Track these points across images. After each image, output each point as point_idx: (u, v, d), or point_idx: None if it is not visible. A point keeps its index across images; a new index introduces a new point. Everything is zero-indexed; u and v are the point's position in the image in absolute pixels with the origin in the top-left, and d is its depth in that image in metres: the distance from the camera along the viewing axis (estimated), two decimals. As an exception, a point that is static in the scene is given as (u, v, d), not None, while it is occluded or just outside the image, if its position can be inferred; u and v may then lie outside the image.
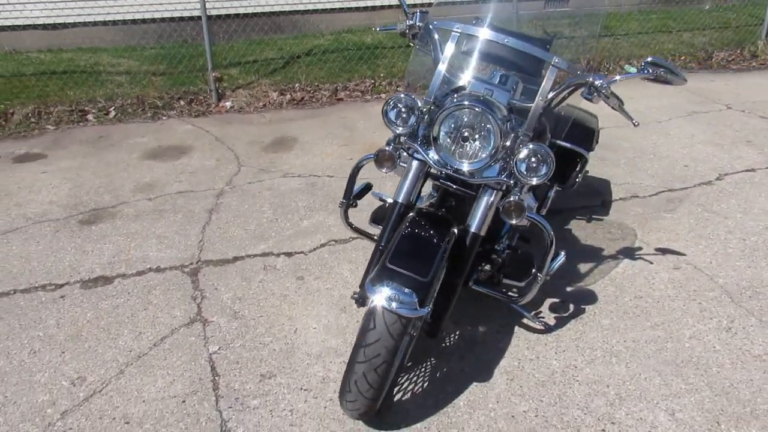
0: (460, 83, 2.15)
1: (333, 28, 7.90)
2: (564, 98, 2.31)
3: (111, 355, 2.49)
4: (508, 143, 2.00)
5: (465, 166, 2.01)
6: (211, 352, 2.51)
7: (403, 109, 2.03)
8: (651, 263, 3.11)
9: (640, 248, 3.26)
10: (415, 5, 2.55)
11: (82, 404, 2.23)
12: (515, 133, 2.03)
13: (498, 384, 2.32)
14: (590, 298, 2.85)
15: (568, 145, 3.05)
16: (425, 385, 2.32)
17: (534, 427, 2.12)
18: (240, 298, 2.86)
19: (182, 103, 5.69)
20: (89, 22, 7.18)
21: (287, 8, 7.57)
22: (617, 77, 2.14)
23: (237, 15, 7.31)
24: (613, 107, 2.20)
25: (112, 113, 5.47)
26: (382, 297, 1.76)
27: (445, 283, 2.10)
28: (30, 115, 5.32)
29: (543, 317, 2.71)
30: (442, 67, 2.09)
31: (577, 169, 3.14)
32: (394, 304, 1.74)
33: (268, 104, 5.81)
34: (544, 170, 1.94)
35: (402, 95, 2.04)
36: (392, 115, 2.05)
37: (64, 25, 7.14)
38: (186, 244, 3.33)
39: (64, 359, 2.47)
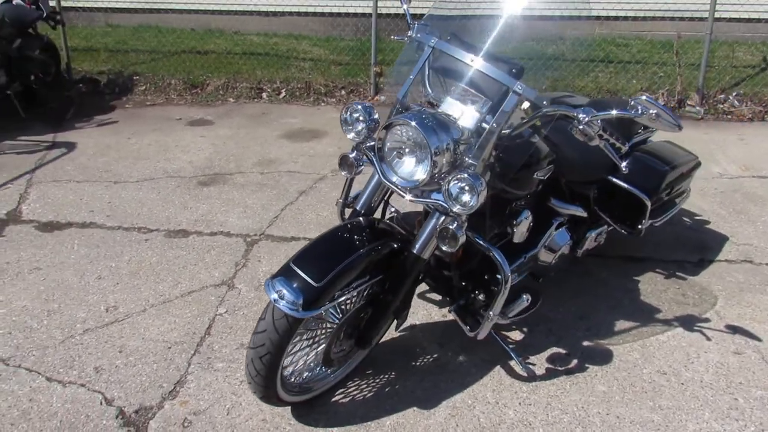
0: (441, 98, 2.09)
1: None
2: (537, 127, 2.09)
3: (146, 295, 2.94)
4: (447, 167, 1.92)
5: (399, 182, 1.98)
6: (217, 313, 2.81)
7: (359, 117, 2.06)
8: (708, 340, 2.64)
9: (707, 320, 2.78)
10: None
11: (101, 328, 2.70)
12: (461, 159, 1.94)
13: (436, 416, 2.24)
14: (603, 358, 2.54)
15: (624, 185, 2.72)
16: (369, 395, 2.33)
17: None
18: (271, 273, 3.12)
19: (343, 92, 6.15)
20: (301, 12, 8.05)
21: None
22: (608, 113, 1.90)
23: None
24: (603, 147, 1.96)
25: (283, 94, 6.13)
26: (273, 291, 1.85)
27: (378, 298, 2.10)
28: (220, 87, 6.22)
29: (532, 364, 2.50)
30: (411, 77, 2.07)
31: (643, 215, 2.79)
32: (281, 302, 1.83)
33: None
34: (466, 201, 1.84)
35: (359, 104, 2.07)
36: (349, 121, 2.09)
37: (281, 13, 8.11)
38: (263, 217, 3.70)
39: (114, 289, 2.98)
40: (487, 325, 2.21)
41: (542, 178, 2.24)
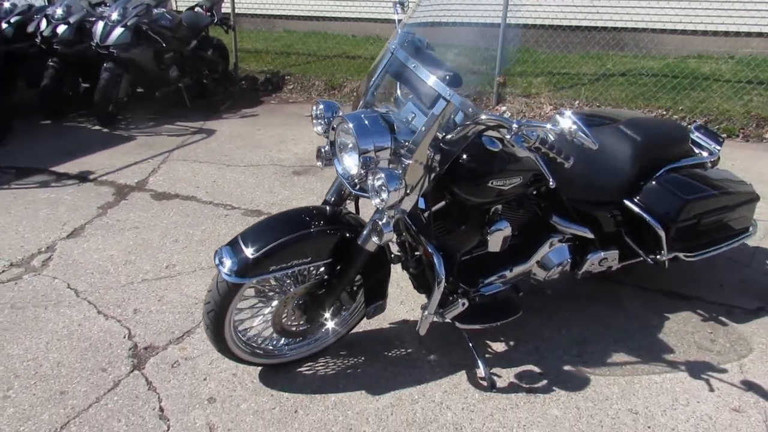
0: (404, 102, 2.22)
1: (682, 51, 7.11)
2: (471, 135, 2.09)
3: (201, 259, 3.42)
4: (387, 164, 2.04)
5: (342, 173, 2.14)
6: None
7: (323, 113, 2.26)
8: (710, 390, 2.38)
9: (723, 371, 2.49)
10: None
11: (155, 280, 3.23)
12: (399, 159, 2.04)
13: (378, 402, 2.35)
14: (577, 385, 2.43)
15: (636, 209, 2.56)
16: (330, 372, 2.53)
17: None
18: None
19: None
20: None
21: (631, 25, 7.18)
22: (540, 125, 1.89)
23: (577, 27, 7.33)
24: (535, 159, 1.94)
25: (408, 99, 6.42)
26: (216, 258, 2.14)
27: (330, 281, 2.29)
28: (354, 90, 6.71)
29: (498, 376, 2.48)
30: (373, 80, 2.21)
31: (660, 244, 2.60)
32: (220, 267, 2.12)
33: (539, 116, 5.87)
34: (376, 194, 1.94)
35: (322, 102, 2.26)
36: (317, 116, 2.30)
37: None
38: (330, 208, 4.03)
39: (181, 251, 3.52)
40: (424, 322, 2.28)
41: (502, 188, 2.23)
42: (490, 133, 2.23)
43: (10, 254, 3.47)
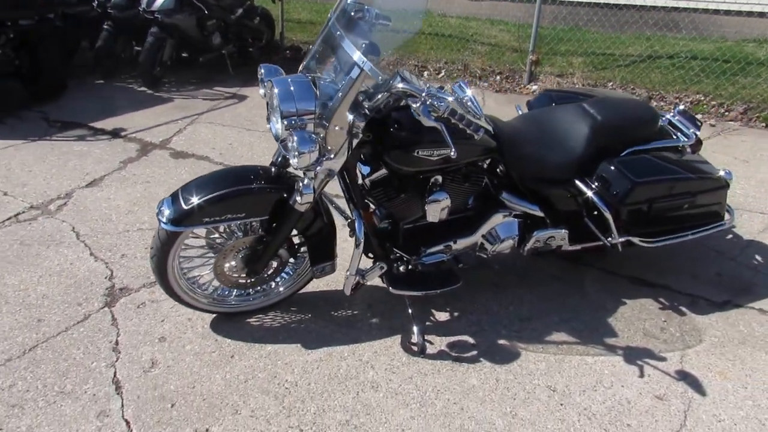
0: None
1: (741, 34, 6.66)
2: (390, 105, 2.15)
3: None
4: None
5: (274, 134, 2.24)
6: (229, 238, 3.38)
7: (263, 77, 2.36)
8: (640, 377, 2.36)
9: (662, 359, 2.45)
10: None
11: (149, 230, 3.48)
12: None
13: (308, 356, 2.48)
14: (505, 358, 2.46)
15: (584, 189, 2.53)
16: (275, 325, 2.67)
17: (264, 387, 2.30)
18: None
19: (498, 78, 6.17)
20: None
21: (685, 5, 6.79)
22: (446, 96, 1.92)
23: (631, 6, 7.02)
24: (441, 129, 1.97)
25: (442, 74, 6.41)
26: (158, 208, 2.31)
27: (268, 237, 2.43)
28: (390, 63, 6.75)
29: (431, 343, 2.55)
30: (314, 47, 2.29)
31: (608, 227, 2.56)
32: (159, 216, 2.29)
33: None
34: (292, 155, 2.03)
35: (265, 66, 2.35)
36: (262, 79, 2.40)
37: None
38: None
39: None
40: (346, 282, 2.37)
41: (429, 158, 2.26)
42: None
43: (33, 198, 3.83)
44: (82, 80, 6.34)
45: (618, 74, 5.80)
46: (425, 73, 6.49)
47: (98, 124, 5.14)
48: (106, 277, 3.02)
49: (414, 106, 1.97)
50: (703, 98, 5.28)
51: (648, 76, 5.71)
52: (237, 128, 5.06)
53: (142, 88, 6.18)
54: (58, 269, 3.08)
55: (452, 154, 1.99)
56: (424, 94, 1.95)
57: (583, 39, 6.60)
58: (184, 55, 6.55)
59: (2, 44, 5.19)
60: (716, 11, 6.74)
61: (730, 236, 3.33)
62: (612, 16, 6.93)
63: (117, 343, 2.57)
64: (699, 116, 5.06)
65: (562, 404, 2.24)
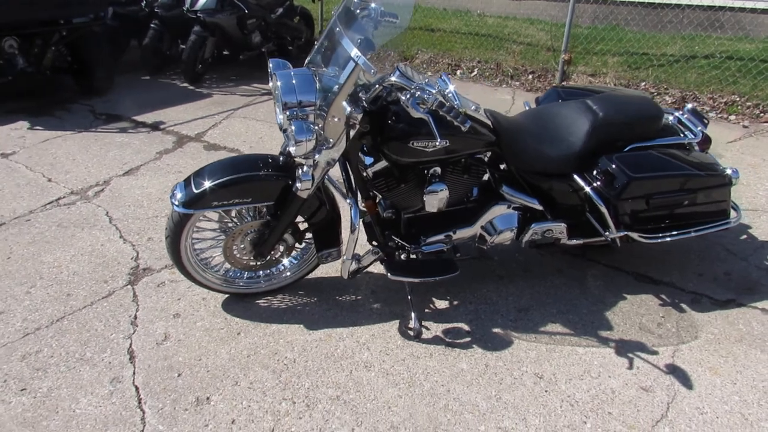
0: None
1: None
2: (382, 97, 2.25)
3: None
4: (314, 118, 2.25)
5: (279, 123, 2.37)
6: (249, 226, 3.55)
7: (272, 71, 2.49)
8: (629, 368, 2.39)
9: (653, 353, 2.47)
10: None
11: (176, 215, 3.69)
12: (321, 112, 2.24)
13: (309, 336, 2.61)
14: (497, 346, 2.53)
15: (582, 183, 2.57)
16: (282, 307, 2.82)
17: (263, 361, 2.44)
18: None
19: (530, 77, 6.18)
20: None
21: (729, 3, 6.62)
22: (433, 89, 2.01)
23: (669, 5, 6.89)
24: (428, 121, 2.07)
25: (474, 72, 6.46)
26: (171, 192, 2.49)
27: (273, 222, 2.57)
28: (425, 61, 6.85)
29: (427, 328, 2.64)
30: (318, 41, 2.42)
31: (604, 221, 2.59)
32: (172, 198, 2.46)
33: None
34: (290, 144, 2.16)
35: (274, 60, 2.48)
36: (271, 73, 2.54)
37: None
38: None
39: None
40: (343, 266, 2.49)
41: (425, 149, 2.35)
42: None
43: (74, 184, 4.10)
44: (130, 76, 6.68)
45: (652, 74, 5.72)
46: (458, 72, 6.55)
47: (140, 118, 5.43)
48: (132, 258, 3.23)
49: (403, 98, 2.08)
50: (738, 99, 5.17)
51: (683, 75, 5.61)
52: (269, 123, 5.26)
53: (184, 84, 6.47)
54: (89, 249, 3.31)
55: (438, 144, 2.08)
56: (413, 87, 2.05)
57: (619, 38, 6.52)
58: (225, 53, 6.82)
59: (56, 42, 5.54)
60: (765, 11, 6.57)
61: (745, 236, 3.29)
62: (654, 16, 6.83)
63: (135, 317, 2.76)
64: (732, 117, 4.97)
65: (546, 391, 2.29)
